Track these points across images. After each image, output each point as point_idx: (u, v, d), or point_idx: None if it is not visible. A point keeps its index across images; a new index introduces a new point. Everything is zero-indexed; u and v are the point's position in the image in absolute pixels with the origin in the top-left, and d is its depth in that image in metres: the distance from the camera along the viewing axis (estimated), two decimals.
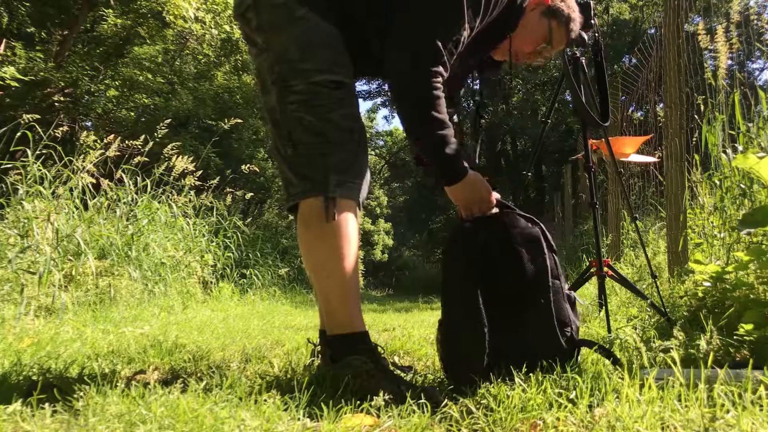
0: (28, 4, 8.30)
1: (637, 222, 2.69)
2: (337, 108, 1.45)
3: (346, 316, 1.43)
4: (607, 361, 1.41)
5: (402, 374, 1.51)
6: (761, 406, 0.98)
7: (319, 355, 1.57)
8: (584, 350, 1.50)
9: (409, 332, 2.79)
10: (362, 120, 1.54)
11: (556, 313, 1.42)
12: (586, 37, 2.13)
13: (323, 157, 1.43)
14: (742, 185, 2.42)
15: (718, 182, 2.59)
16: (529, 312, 1.42)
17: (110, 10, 9.41)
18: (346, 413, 1.13)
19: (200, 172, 5.73)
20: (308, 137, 1.44)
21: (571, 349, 1.43)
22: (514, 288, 1.43)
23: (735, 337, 1.58)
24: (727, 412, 0.96)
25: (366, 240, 24.93)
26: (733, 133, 2.62)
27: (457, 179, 1.49)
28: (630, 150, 3.13)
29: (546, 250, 1.46)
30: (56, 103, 8.28)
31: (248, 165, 6.75)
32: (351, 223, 1.45)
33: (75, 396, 1.12)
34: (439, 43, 1.42)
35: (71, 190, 3.98)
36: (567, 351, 1.41)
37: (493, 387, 1.23)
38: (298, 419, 1.09)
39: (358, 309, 1.46)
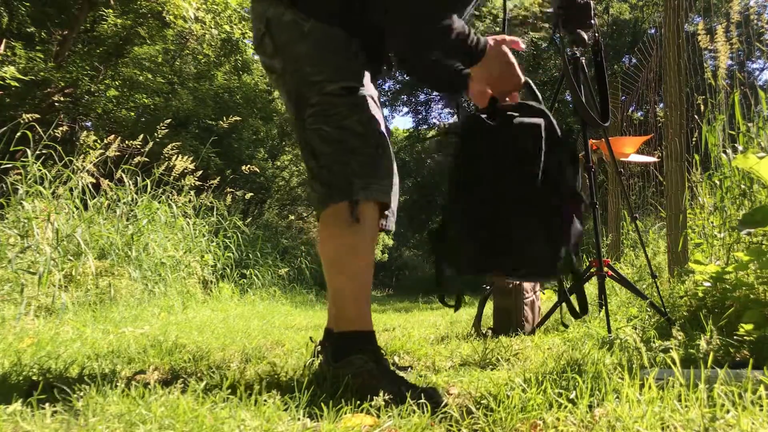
0: (28, 4, 8.30)
1: (637, 222, 2.69)
2: (352, 114, 1.45)
3: (354, 313, 1.44)
4: (607, 361, 1.41)
5: (403, 374, 1.51)
6: (761, 406, 0.98)
7: (320, 355, 1.57)
8: (584, 350, 1.50)
9: (409, 332, 2.79)
10: (381, 121, 1.53)
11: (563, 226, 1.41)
12: (585, 37, 2.13)
13: (344, 165, 1.44)
14: (742, 185, 2.42)
15: (718, 182, 2.59)
16: (536, 216, 1.40)
17: (110, 10, 9.41)
18: (346, 413, 1.13)
19: (200, 172, 5.73)
20: (327, 147, 1.46)
21: (570, 264, 1.41)
22: (522, 186, 1.41)
23: (735, 337, 1.58)
24: (727, 412, 0.96)
25: None
26: (733, 133, 2.62)
27: (482, 53, 1.47)
28: (630, 150, 3.13)
29: (561, 151, 1.43)
30: (56, 103, 8.27)
31: (248, 165, 6.76)
32: (369, 223, 1.46)
33: (75, 396, 1.12)
34: None
35: (71, 190, 3.98)
36: (567, 262, 1.40)
37: (492, 387, 1.23)
38: (298, 419, 1.09)
39: (367, 308, 1.47)
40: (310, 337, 1.78)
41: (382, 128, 1.53)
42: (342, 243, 1.45)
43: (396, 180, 1.58)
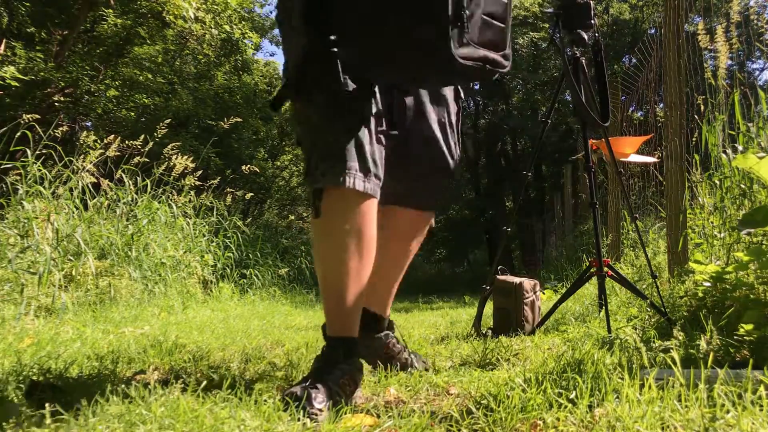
0: (28, 4, 8.30)
1: (637, 222, 2.69)
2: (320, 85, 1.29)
3: (332, 316, 1.33)
4: (607, 361, 1.41)
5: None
6: (761, 406, 0.98)
7: None
8: (584, 350, 1.50)
9: (409, 332, 2.79)
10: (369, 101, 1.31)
11: None
12: (585, 37, 2.13)
13: (313, 147, 1.31)
14: (742, 185, 2.42)
15: (718, 182, 2.59)
16: None
17: (110, 10, 9.41)
18: (346, 413, 1.13)
19: (200, 172, 5.73)
20: (301, 132, 1.36)
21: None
22: None
23: (735, 337, 1.58)
24: (727, 412, 0.96)
25: None
26: (733, 133, 2.62)
27: None
28: (630, 150, 3.13)
29: None
30: (56, 103, 8.28)
31: (248, 165, 6.76)
32: (340, 216, 1.26)
33: (75, 396, 1.12)
34: None
35: (71, 190, 3.98)
36: None
37: (492, 387, 1.23)
38: (298, 419, 1.09)
39: (344, 312, 1.31)
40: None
41: (368, 106, 1.30)
42: (316, 244, 1.31)
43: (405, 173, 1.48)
